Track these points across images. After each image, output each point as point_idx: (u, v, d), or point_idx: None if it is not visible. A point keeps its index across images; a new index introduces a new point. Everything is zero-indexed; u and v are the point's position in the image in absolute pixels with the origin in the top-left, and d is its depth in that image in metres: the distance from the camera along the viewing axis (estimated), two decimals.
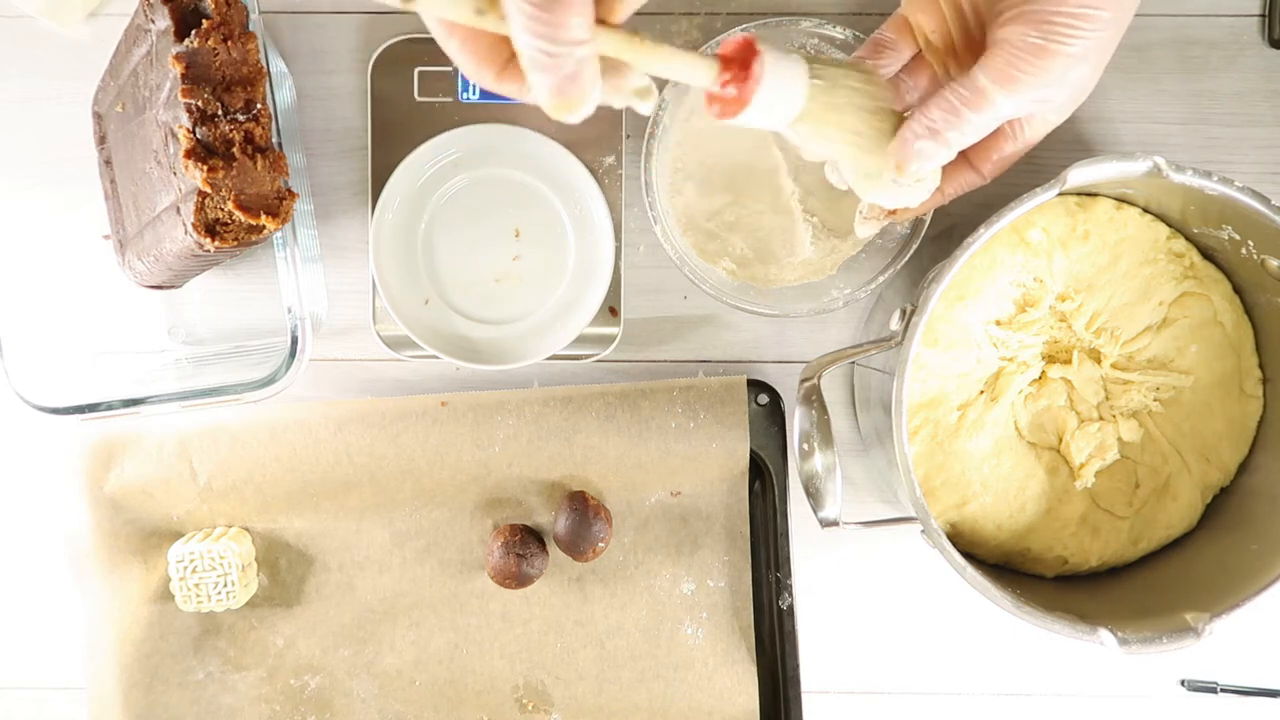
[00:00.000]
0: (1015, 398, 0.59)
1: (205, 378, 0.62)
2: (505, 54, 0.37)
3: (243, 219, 0.53)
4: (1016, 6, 0.41)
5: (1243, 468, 0.60)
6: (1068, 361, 0.59)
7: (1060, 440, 0.59)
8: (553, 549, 0.65)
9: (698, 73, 0.40)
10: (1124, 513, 0.59)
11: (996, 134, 0.47)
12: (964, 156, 0.49)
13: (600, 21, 0.36)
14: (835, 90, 0.43)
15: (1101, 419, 0.59)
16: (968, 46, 0.47)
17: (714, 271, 0.61)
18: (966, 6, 0.46)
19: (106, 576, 0.65)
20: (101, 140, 0.63)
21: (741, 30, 0.58)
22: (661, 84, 0.40)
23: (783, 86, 0.41)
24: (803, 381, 0.53)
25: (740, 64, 0.40)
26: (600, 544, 0.63)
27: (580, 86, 0.36)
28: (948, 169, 0.49)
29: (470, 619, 0.66)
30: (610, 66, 0.38)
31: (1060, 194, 0.51)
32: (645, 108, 0.40)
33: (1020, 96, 0.42)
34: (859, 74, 0.44)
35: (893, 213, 0.52)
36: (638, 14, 0.64)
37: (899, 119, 0.45)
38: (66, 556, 0.65)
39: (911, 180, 0.46)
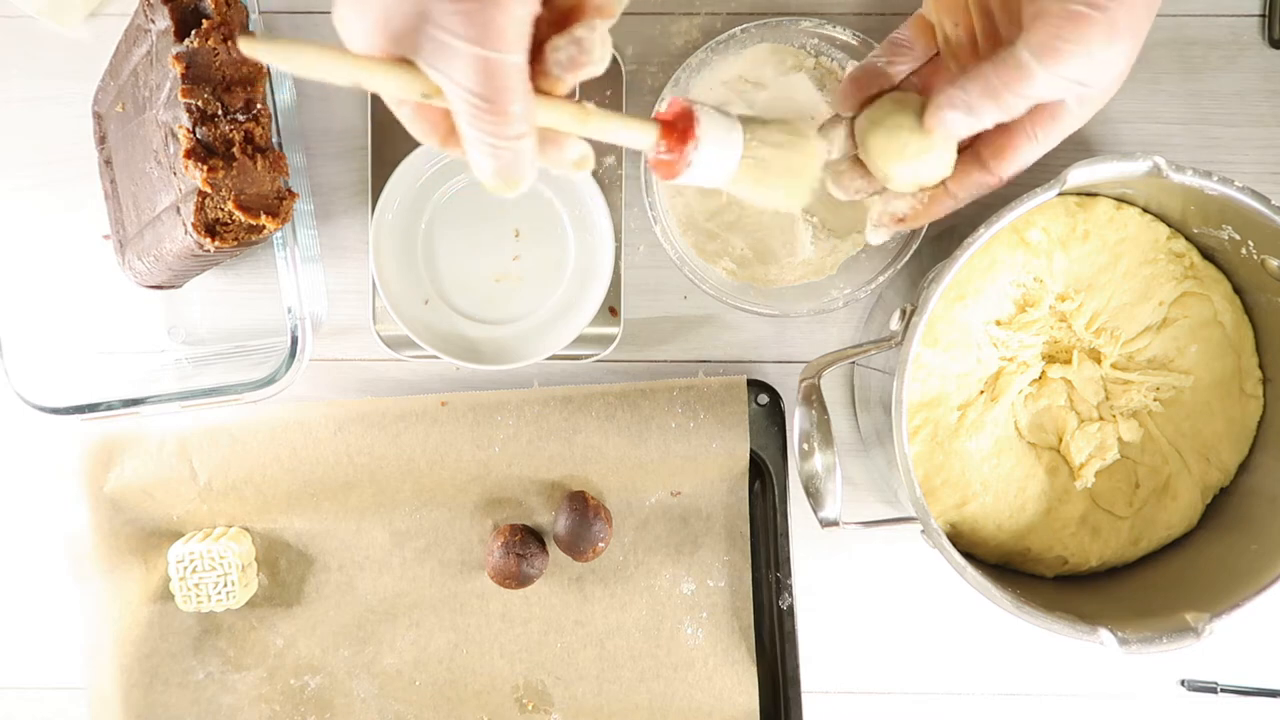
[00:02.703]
0: (1015, 398, 0.59)
1: (205, 378, 0.62)
2: (449, 126, 0.39)
3: (243, 219, 0.53)
4: None
5: (1243, 468, 0.60)
6: (1068, 361, 0.59)
7: (1060, 440, 0.59)
8: (553, 549, 0.65)
9: (639, 138, 0.42)
10: (1124, 513, 0.59)
11: (1015, 135, 0.47)
12: (978, 158, 0.48)
13: (544, 93, 0.38)
14: (766, 161, 0.45)
15: (1101, 419, 0.59)
16: (991, 45, 0.47)
17: (714, 271, 0.61)
18: (995, 3, 0.46)
19: (106, 576, 0.65)
20: (101, 140, 0.63)
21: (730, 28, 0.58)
22: (604, 147, 0.42)
23: (719, 149, 0.43)
24: (803, 381, 0.53)
25: (680, 131, 0.42)
26: (600, 544, 0.63)
27: (519, 170, 0.38)
28: (960, 170, 0.49)
29: (470, 619, 0.66)
30: (549, 137, 0.40)
31: (1060, 194, 0.51)
32: (582, 176, 0.42)
33: (1060, 71, 0.41)
34: (790, 133, 0.46)
35: (901, 220, 0.52)
36: (636, 12, 0.64)
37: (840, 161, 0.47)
38: (66, 556, 0.65)
39: (931, 156, 0.47)
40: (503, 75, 0.35)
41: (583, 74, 0.38)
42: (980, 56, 0.47)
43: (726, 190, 0.45)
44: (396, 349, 0.65)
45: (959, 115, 0.44)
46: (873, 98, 0.49)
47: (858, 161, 0.50)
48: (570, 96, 0.40)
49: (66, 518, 0.65)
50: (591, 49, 0.37)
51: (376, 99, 0.63)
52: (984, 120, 0.44)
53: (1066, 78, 0.42)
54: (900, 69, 0.50)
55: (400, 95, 0.37)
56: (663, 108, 0.46)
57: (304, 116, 0.65)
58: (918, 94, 0.49)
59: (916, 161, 0.47)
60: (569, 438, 0.63)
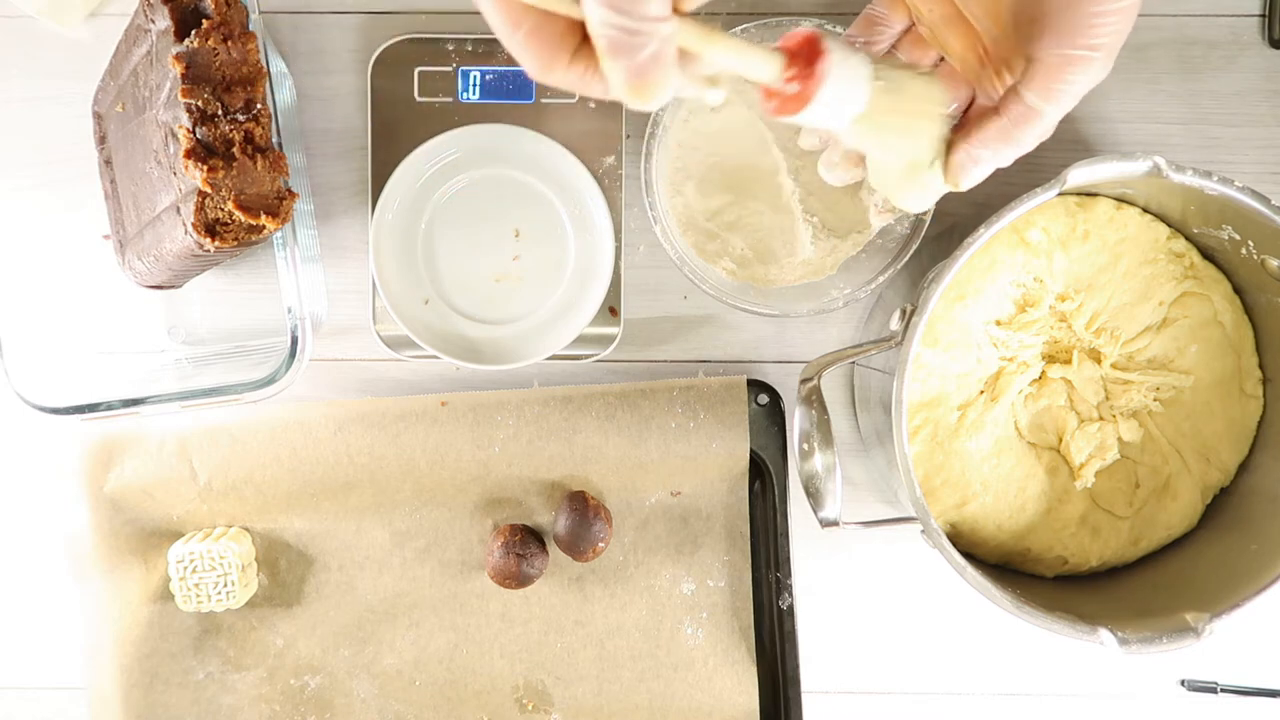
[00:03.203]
0: (1015, 398, 0.59)
1: (205, 378, 0.62)
2: (575, 42, 0.36)
3: (243, 219, 0.53)
4: (1042, 19, 0.41)
5: (1243, 468, 0.60)
6: (1068, 361, 0.59)
7: (1060, 440, 0.59)
8: (553, 549, 0.65)
9: (763, 67, 0.39)
10: (1124, 513, 0.59)
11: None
12: None
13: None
14: (897, 93, 0.42)
15: (1101, 419, 0.59)
16: (975, 19, 0.47)
17: (714, 271, 0.61)
18: None
19: (106, 576, 0.65)
20: (101, 140, 0.63)
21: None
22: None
23: (845, 86, 0.40)
24: (803, 381, 0.53)
25: (805, 60, 0.39)
26: (600, 544, 0.63)
27: (660, 69, 0.35)
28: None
29: (470, 619, 0.66)
30: (679, 55, 0.37)
31: (1060, 194, 0.51)
32: (715, 96, 0.39)
33: (1066, 105, 0.43)
34: (922, 78, 0.43)
35: None
36: None
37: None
38: (66, 556, 0.65)
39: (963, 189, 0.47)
40: None
41: None
42: (956, 32, 0.47)
43: (847, 131, 0.42)
44: (396, 349, 0.65)
45: (986, 169, 0.45)
46: None
47: (850, 155, 0.51)
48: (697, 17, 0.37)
49: (66, 518, 0.65)
50: None
51: (376, 100, 0.63)
52: (1008, 161, 0.45)
53: (1070, 105, 0.43)
54: (879, 47, 0.50)
55: None
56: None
57: (304, 116, 0.65)
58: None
59: (928, 195, 0.47)
60: (569, 438, 0.63)
